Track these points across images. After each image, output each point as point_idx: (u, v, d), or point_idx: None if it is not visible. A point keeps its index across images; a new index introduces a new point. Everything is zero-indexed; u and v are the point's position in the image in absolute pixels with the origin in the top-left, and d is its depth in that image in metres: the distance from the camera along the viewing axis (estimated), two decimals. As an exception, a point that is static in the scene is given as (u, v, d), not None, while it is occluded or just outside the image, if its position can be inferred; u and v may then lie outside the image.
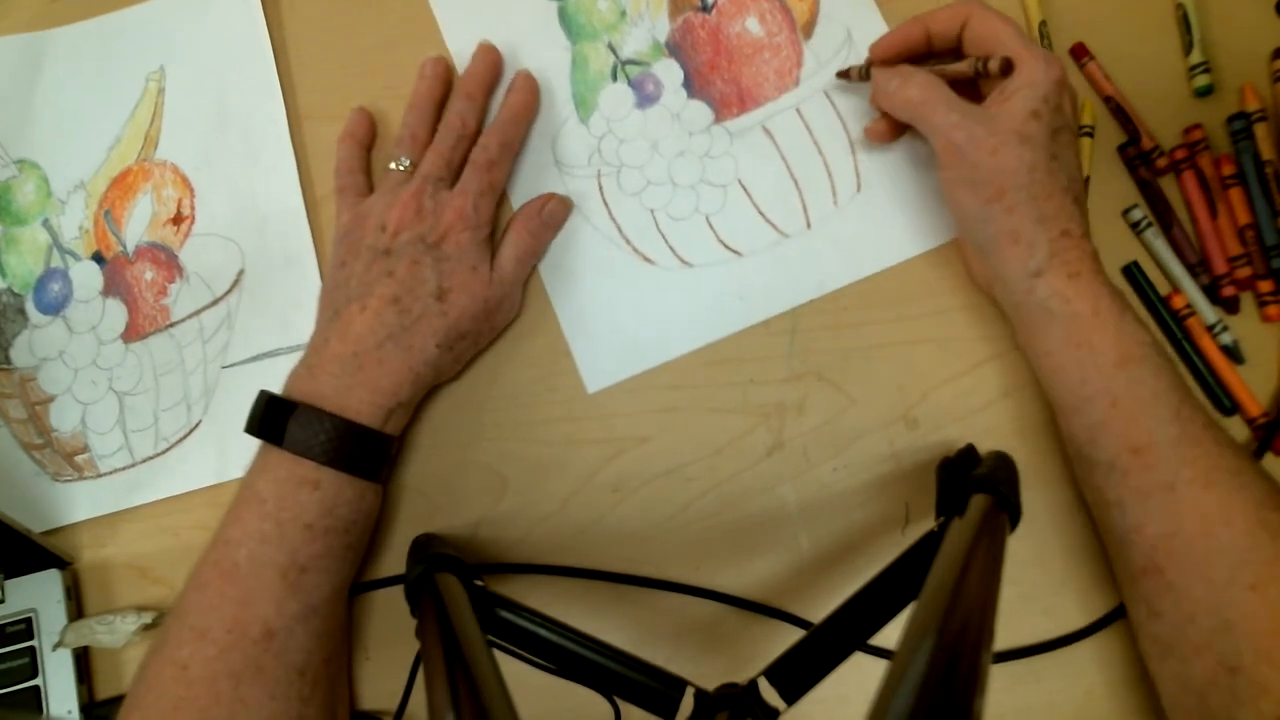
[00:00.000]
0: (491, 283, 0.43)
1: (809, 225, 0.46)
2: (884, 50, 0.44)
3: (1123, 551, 0.37)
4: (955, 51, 0.42)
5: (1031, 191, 0.37)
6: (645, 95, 0.48)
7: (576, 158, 0.48)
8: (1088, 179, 0.44)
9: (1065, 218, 0.38)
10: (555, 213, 0.46)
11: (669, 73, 0.48)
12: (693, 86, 0.48)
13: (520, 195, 0.48)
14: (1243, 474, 0.35)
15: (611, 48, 0.49)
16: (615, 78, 0.49)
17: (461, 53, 0.49)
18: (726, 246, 0.46)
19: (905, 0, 0.47)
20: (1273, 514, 0.34)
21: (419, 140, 0.45)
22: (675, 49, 0.49)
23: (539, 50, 0.49)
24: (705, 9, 0.49)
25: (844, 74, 0.46)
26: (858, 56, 0.47)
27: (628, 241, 0.47)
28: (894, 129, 0.45)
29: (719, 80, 0.48)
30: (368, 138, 0.48)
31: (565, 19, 0.50)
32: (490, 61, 0.48)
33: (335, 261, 0.43)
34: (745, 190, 0.47)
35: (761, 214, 0.47)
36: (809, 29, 0.48)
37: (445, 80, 0.48)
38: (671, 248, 0.47)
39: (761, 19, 0.49)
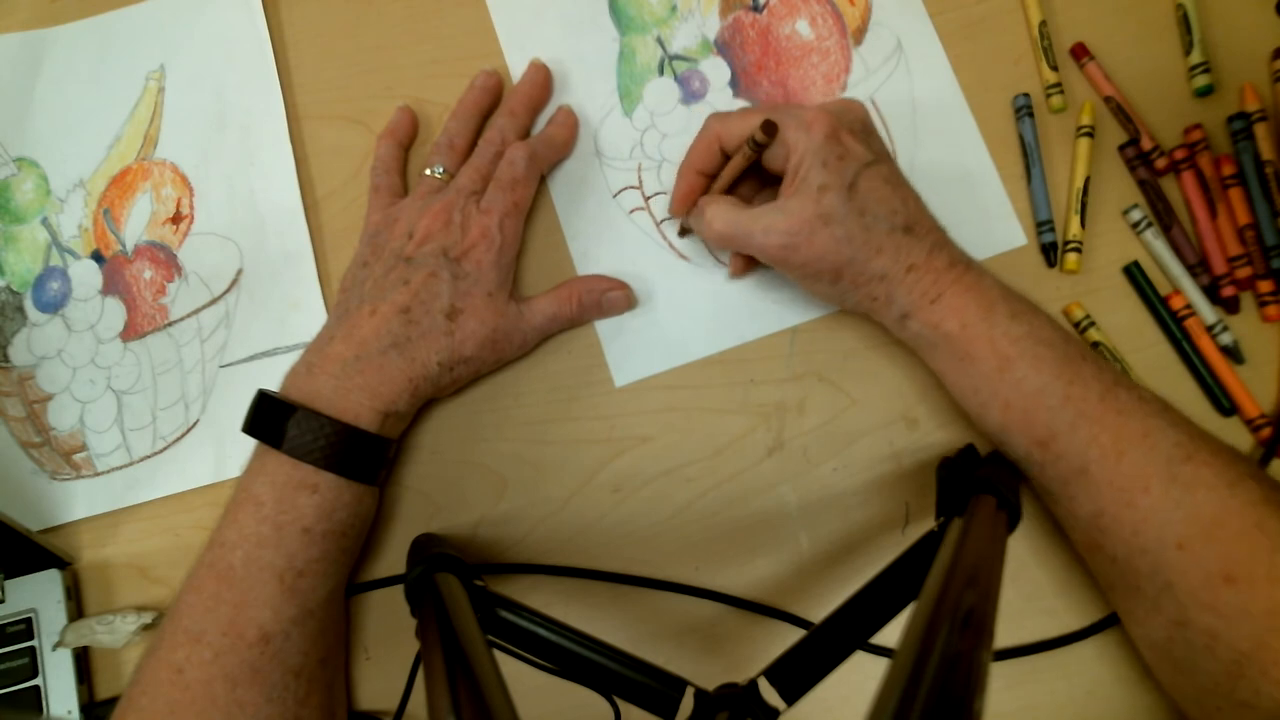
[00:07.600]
0: (506, 314, 0.42)
1: None
2: (680, 204, 0.44)
3: (1070, 534, 0.39)
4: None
5: (861, 257, 0.38)
6: (691, 92, 0.48)
7: (618, 149, 0.48)
8: (1088, 179, 0.45)
9: (904, 255, 0.38)
10: (615, 303, 0.45)
11: (716, 70, 0.48)
12: (739, 86, 0.48)
13: (559, 183, 0.48)
14: (1150, 434, 0.35)
15: (660, 42, 0.49)
16: (662, 72, 0.49)
17: (508, 34, 0.49)
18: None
19: (956, 9, 0.47)
20: (1183, 466, 0.34)
21: (456, 149, 0.45)
22: (724, 47, 0.49)
23: (587, 40, 0.49)
24: (756, 9, 0.49)
25: (683, 231, 0.46)
26: (907, 65, 0.47)
27: (664, 237, 0.47)
28: (748, 260, 0.45)
29: (765, 81, 0.48)
30: (408, 138, 0.48)
31: (616, 11, 0.50)
32: (538, 81, 0.48)
33: (358, 260, 0.44)
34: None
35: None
36: (859, 35, 0.48)
37: (494, 93, 0.48)
38: (708, 245, 0.47)
39: (813, 22, 0.48)
